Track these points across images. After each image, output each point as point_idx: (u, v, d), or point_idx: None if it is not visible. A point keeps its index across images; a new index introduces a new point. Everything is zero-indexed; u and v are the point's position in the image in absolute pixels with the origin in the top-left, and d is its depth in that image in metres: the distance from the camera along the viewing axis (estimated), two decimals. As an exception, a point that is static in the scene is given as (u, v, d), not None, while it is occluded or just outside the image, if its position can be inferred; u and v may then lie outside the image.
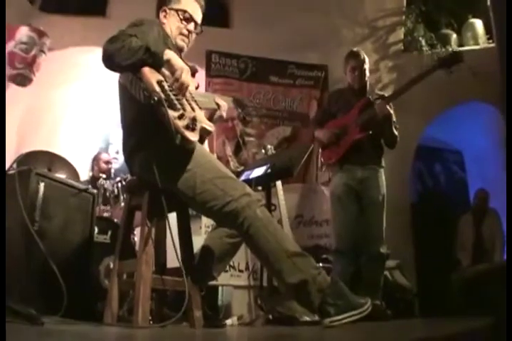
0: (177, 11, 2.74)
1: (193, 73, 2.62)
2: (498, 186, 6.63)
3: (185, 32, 2.73)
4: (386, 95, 4.22)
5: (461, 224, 6.35)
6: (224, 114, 2.82)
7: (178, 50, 2.71)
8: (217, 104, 2.79)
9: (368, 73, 4.30)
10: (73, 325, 2.15)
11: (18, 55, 5.22)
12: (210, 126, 2.44)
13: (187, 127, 2.26)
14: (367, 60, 4.29)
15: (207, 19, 2.89)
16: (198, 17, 2.81)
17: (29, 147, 4.42)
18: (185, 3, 2.78)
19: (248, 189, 2.41)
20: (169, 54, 2.34)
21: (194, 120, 2.31)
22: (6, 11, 4.04)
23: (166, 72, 2.35)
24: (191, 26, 2.75)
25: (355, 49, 4.40)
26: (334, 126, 4.23)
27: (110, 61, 2.30)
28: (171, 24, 2.73)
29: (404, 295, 4.87)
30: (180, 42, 2.72)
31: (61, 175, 3.43)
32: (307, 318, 3.16)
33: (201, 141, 2.48)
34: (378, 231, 3.99)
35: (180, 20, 2.73)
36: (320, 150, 4.39)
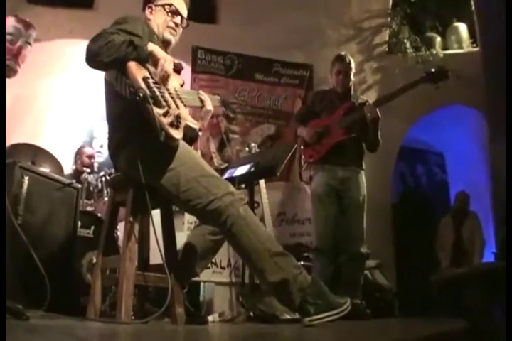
0: (163, 5, 2.78)
1: (179, 70, 2.64)
2: (479, 189, 6.72)
3: (172, 24, 2.76)
4: (369, 101, 4.26)
5: (441, 225, 6.41)
6: (211, 108, 2.80)
7: (165, 44, 2.74)
8: (201, 100, 2.79)
9: (352, 77, 4.33)
10: (56, 320, 2.15)
11: (3, 46, 5.19)
12: (194, 124, 2.46)
13: (171, 124, 2.27)
14: (353, 64, 4.33)
15: (194, 15, 2.92)
16: (184, 12, 2.84)
17: (13, 139, 4.39)
18: None
19: (231, 188, 2.42)
20: (152, 46, 2.38)
21: (178, 117, 2.32)
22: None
23: (152, 69, 2.37)
24: (178, 19, 2.78)
25: (342, 53, 4.43)
26: (317, 125, 4.25)
27: (94, 59, 2.32)
28: (157, 19, 2.76)
29: (384, 295, 4.91)
30: (168, 35, 2.75)
31: (45, 169, 3.43)
32: (288, 316, 3.18)
33: (185, 138, 2.49)
34: (359, 231, 4.04)
35: (167, 13, 2.76)
36: (302, 148, 4.40)
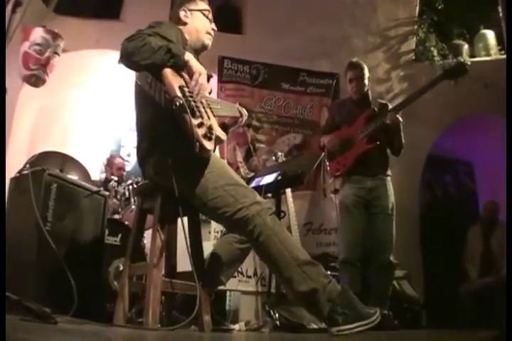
0: (201, 11, 2.79)
1: (208, 78, 2.64)
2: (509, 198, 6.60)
3: (211, 31, 2.79)
4: (389, 104, 4.23)
5: (469, 235, 6.31)
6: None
7: (199, 51, 2.77)
8: (240, 113, 2.82)
9: (367, 83, 4.26)
10: (84, 325, 2.15)
11: (32, 56, 5.26)
12: (222, 135, 2.46)
13: (205, 136, 2.27)
14: (366, 70, 4.26)
15: (220, 25, 2.92)
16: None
17: (42, 147, 4.44)
18: (202, 3, 2.83)
19: (259, 197, 2.41)
20: (188, 56, 2.35)
21: (211, 129, 2.32)
22: (22, 12, 4.07)
23: (187, 77, 2.36)
24: (213, 25, 2.81)
25: (354, 60, 4.37)
26: (339, 136, 4.21)
27: (129, 59, 2.30)
28: (197, 23, 2.76)
29: (412, 306, 4.84)
30: (207, 40, 2.78)
31: (73, 177, 3.45)
32: (315, 326, 3.15)
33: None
34: (388, 240, 3.97)
35: (207, 18, 2.79)
36: (327, 162, 4.34)
